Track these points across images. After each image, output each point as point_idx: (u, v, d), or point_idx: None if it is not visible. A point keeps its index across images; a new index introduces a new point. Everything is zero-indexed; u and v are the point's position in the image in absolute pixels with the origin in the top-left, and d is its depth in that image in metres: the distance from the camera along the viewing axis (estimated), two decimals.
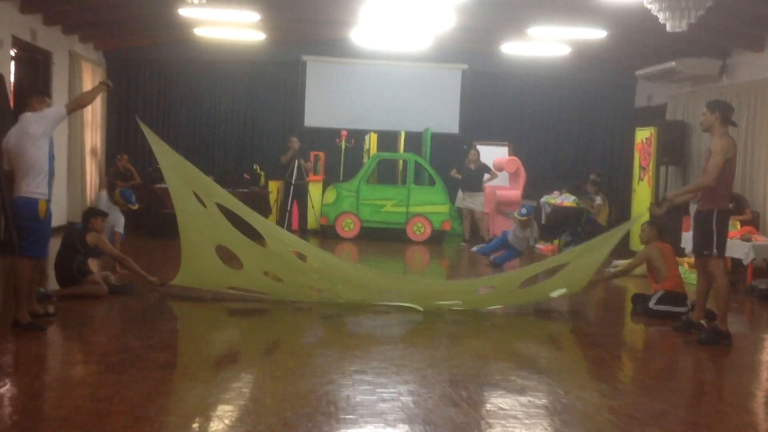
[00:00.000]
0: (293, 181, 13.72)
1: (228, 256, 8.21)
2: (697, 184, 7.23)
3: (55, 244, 7.97)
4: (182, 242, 8.11)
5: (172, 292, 8.22)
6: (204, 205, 7.98)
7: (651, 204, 7.60)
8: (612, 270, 10.73)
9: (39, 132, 6.38)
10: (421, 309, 8.00)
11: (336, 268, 8.60)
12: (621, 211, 14.19)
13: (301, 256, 8.53)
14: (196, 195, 7.97)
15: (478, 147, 14.26)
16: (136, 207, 9.84)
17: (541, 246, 12.81)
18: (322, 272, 8.42)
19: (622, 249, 13.10)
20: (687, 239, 10.71)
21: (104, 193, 9.61)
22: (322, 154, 14.92)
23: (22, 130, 6.39)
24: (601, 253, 8.02)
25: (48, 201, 6.47)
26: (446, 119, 15.91)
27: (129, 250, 8.75)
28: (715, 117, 6.94)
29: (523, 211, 11.32)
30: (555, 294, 8.14)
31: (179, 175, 7.99)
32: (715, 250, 6.91)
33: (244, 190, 13.50)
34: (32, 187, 6.34)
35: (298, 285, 8.22)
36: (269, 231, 8.32)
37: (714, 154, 6.88)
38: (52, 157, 6.57)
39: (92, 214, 8.41)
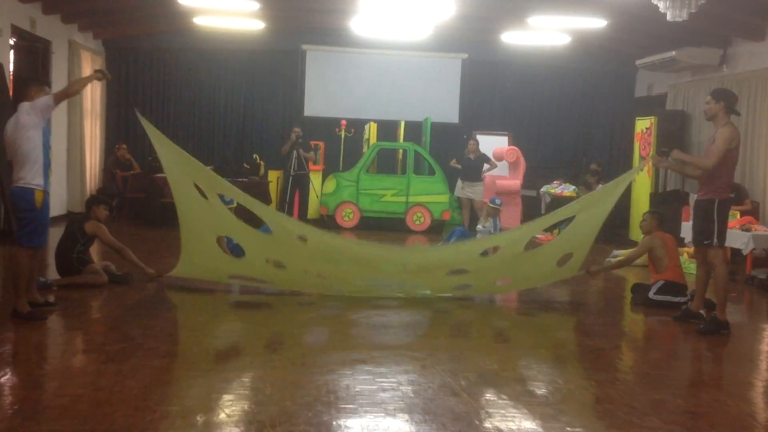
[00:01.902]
0: (292, 172, 13.66)
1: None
2: (698, 160, 7.16)
3: (56, 234, 7.98)
4: (182, 233, 8.04)
5: (170, 282, 8.23)
6: (205, 197, 7.89)
7: (655, 153, 7.57)
8: (612, 260, 10.76)
9: (30, 122, 6.32)
10: (430, 293, 8.14)
11: (340, 249, 8.53)
12: (621, 200, 14.15)
13: (305, 240, 8.31)
14: (197, 187, 7.88)
15: (478, 137, 14.24)
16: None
17: (540, 236, 12.80)
18: (327, 254, 8.31)
19: (622, 239, 13.13)
20: (687, 229, 10.73)
21: None
22: (321, 144, 14.90)
23: (15, 121, 6.37)
24: (606, 207, 8.02)
25: (45, 191, 6.44)
26: (446, 109, 15.88)
27: (129, 239, 8.74)
28: (720, 107, 6.93)
29: (497, 201, 11.24)
30: (562, 267, 8.12)
31: (180, 168, 7.90)
32: (715, 240, 6.93)
33: (244, 180, 13.46)
34: (28, 177, 6.32)
35: (301, 272, 8.14)
36: (273, 218, 8.37)
37: (718, 141, 6.87)
38: (48, 147, 6.52)
39: (94, 201, 8.35)
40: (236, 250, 8.49)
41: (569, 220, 8.47)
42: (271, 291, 8.14)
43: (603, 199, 8.08)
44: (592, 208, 8.04)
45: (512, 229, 9.90)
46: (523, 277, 8.34)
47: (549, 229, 12.62)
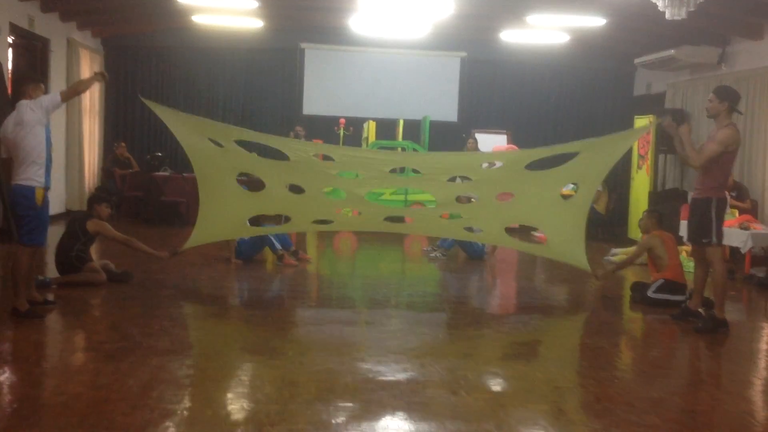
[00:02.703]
0: None
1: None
2: (691, 153, 6.96)
3: (55, 232, 7.97)
4: (200, 189, 8.25)
5: (172, 283, 8.23)
6: (221, 146, 8.11)
7: (665, 118, 7.52)
8: (611, 258, 10.78)
9: (34, 119, 6.35)
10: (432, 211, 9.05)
11: (354, 156, 9.19)
12: (619, 199, 14.20)
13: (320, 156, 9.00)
14: (212, 141, 8.09)
15: (477, 135, 14.22)
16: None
17: (538, 234, 12.81)
18: (343, 164, 8.95)
19: (621, 237, 13.14)
20: (685, 227, 10.76)
21: None
22: (320, 142, 14.88)
23: (18, 118, 6.37)
24: (615, 155, 8.04)
25: (45, 189, 6.45)
26: (445, 107, 15.89)
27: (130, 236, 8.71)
28: (724, 106, 6.90)
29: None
30: (565, 189, 8.51)
31: (192, 129, 8.11)
32: (714, 238, 6.92)
33: (242, 178, 13.42)
34: (29, 175, 6.32)
35: (318, 192, 8.59)
36: (291, 145, 9.04)
37: (714, 142, 6.84)
38: (49, 144, 6.55)
39: (96, 200, 8.29)
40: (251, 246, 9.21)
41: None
42: (272, 292, 8.13)
43: (611, 145, 8.13)
44: (600, 151, 8.10)
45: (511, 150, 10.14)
46: (526, 197, 8.43)
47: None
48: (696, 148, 7.03)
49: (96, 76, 7.14)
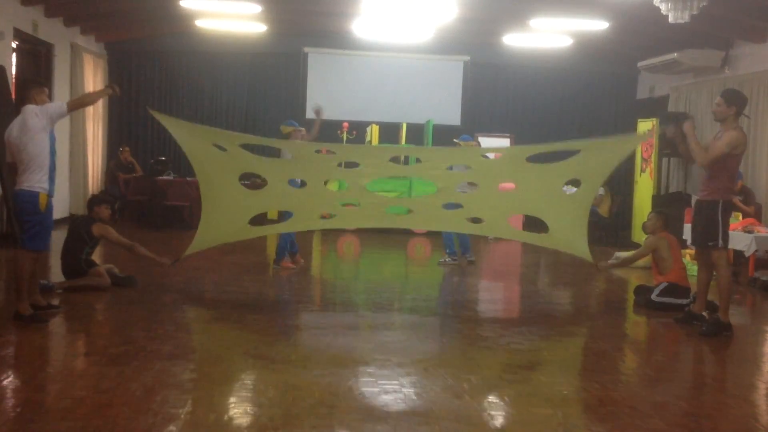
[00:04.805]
0: None
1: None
2: (697, 150, 6.91)
3: (58, 237, 7.97)
4: (202, 192, 8.23)
5: (176, 282, 8.23)
6: (224, 149, 8.13)
7: (668, 128, 7.60)
8: (614, 262, 10.75)
9: (38, 126, 6.36)
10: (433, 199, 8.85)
11: (355, 149, 9.56)
12: (623, 202, 14.18)
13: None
14: (216, 146, 8.11)
15: (480, 139, 14.21)
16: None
17: None
18: (343, 156, 9.14)
19: (624, 241, 13.12)
20: (689, 231, 10.74)
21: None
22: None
23: (22, 123, 6.38)
24: (617, 156, 8.10)
25: (49, 195, 6.46)
26: (448, 111, 15.89)
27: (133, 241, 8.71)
28: (731, 110, 6.87)
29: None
30: (565, 189, 8.64)
31: (195, 137, 8.17)
32: (720, 242, 6.87)
33: (246, 182, 13.43)
34: (33, 180, 6.34)
35: (321, 185, 8.57)
36: (292, 145, 9.10)
37: (721, 143, 6.76)
38: (53, 152, 6.55)
39: (96, 202, 8.28)
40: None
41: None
42: (275, 296, 8.14)
43: (613, 147, 8.23)
44: (600, 151, 8.18)
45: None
46: (528, 187, 8.39)
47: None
48: (702, 145, 7.02)
49: (105, 90, 7.17)
